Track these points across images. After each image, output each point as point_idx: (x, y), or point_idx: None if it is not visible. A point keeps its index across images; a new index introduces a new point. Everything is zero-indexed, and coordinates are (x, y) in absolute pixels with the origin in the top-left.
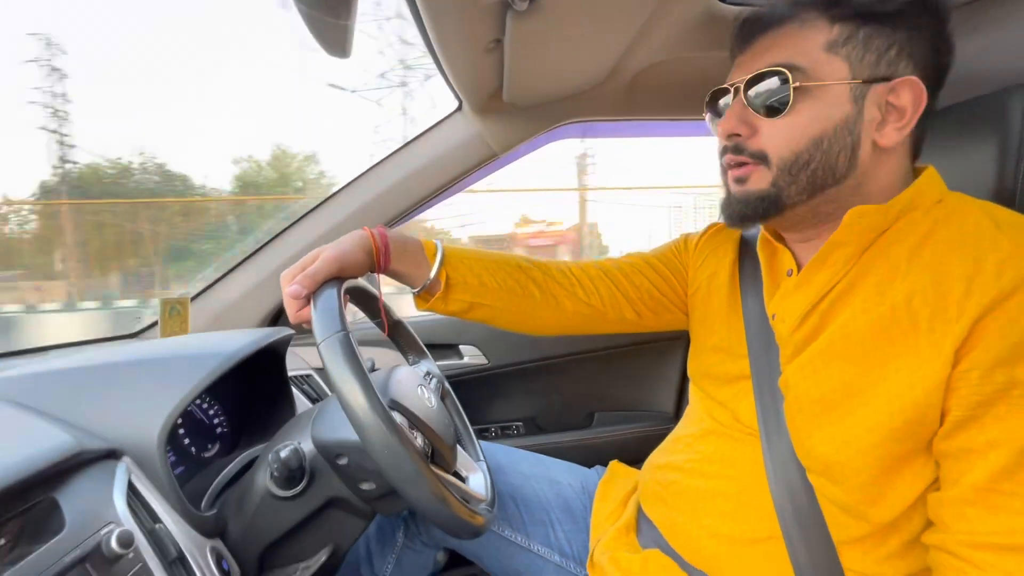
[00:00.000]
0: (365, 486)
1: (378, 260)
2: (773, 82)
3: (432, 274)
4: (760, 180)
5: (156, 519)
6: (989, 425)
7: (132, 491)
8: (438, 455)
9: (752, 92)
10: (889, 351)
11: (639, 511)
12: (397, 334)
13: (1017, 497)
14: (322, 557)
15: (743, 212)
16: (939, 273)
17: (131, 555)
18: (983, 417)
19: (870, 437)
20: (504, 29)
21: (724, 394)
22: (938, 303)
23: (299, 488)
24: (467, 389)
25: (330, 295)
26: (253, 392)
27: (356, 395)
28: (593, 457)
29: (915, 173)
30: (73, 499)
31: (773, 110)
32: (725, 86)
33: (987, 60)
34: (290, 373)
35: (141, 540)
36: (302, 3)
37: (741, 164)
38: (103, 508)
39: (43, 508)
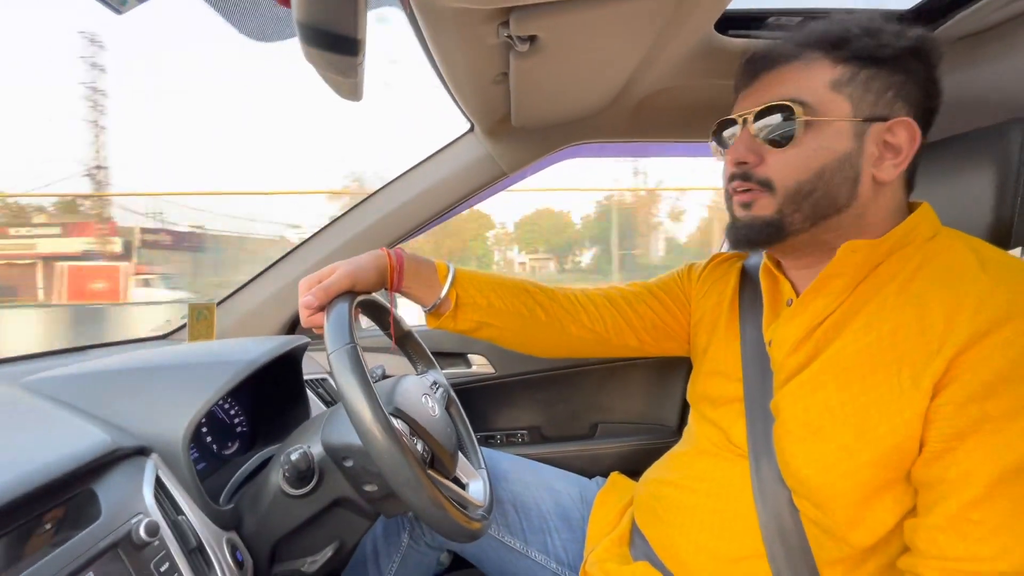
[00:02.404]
0: (368, 487)
1: (391, 279)
2: (781, 115)
3: (443, 294)
4: (765, 207)
5: (179, 511)
6: (962, 457)
7: (159, 485)
8: (438, 461)
9: (760, 124)
10: (873, 381)
11: (633, 524)
12: (407, 345)
13: (985, 526)
14: (328, 552)
15: (748, 236)
16: (923, 308)
17: (156, 543)
18: (957, 449)
19: (852, 462)
20: (509, 64)
21: (718, 415)
22: (920, 338)
23: (309, 487)
24: (474, 397)
25: (342, 308)
26: (271, 395)
27: (360, 403)
28: (595, 467)
29: (909, 207)
30: (108, 491)
31: (780, 141)
32: (732, 117)
33: (987, 93)
34: (306, 376)
35: (165, 530)
36: (314, 65)
37: (747, 190)
38: (133, 500)
39: (83, 498)
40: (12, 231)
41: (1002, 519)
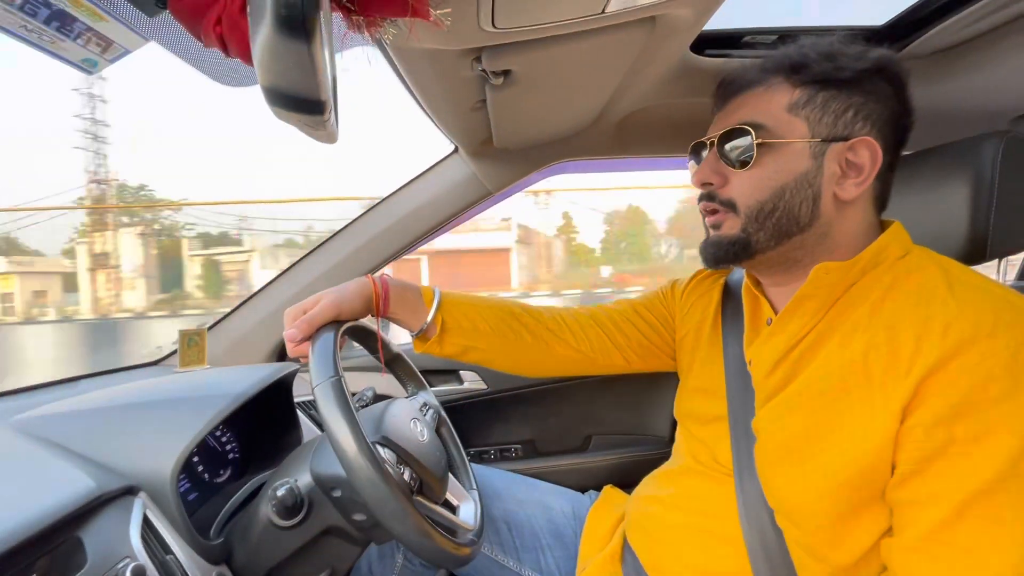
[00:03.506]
0: (358, 517)
1: (377, 306)
2: (742, 138)
3: (428, 319)
4: (731, 226)
5: (168, 550)
6: (931, 479)
7: (147, 524)
8: (426, 487)
9: (725, 147)
10: (846, 402)
11: (625, 541)
12: (396, 367)
13: (955, 547)
14: None
15: (717, 255)
16: (893, 330)
17: None
18: (925, 471)
19: (827, 483)
20: (486, 93)
21: (704, 433)
22: (890, 360)
23: (298, 518)
24: (467, 413)
25: (327, 340)
26: (262, 420)
27: (345, 436)
28: (589, 480)
29: (882, 226)
30: (95, 536)
31: (741, 163)
32: (703, 140)
33: (962, 105)
34: (298, 399)
35: (153, 572)
36: (284, 121)
37: (714, 211)
38: (120, 543)
39: (69, 546)
40: None
41: (973, 542)
